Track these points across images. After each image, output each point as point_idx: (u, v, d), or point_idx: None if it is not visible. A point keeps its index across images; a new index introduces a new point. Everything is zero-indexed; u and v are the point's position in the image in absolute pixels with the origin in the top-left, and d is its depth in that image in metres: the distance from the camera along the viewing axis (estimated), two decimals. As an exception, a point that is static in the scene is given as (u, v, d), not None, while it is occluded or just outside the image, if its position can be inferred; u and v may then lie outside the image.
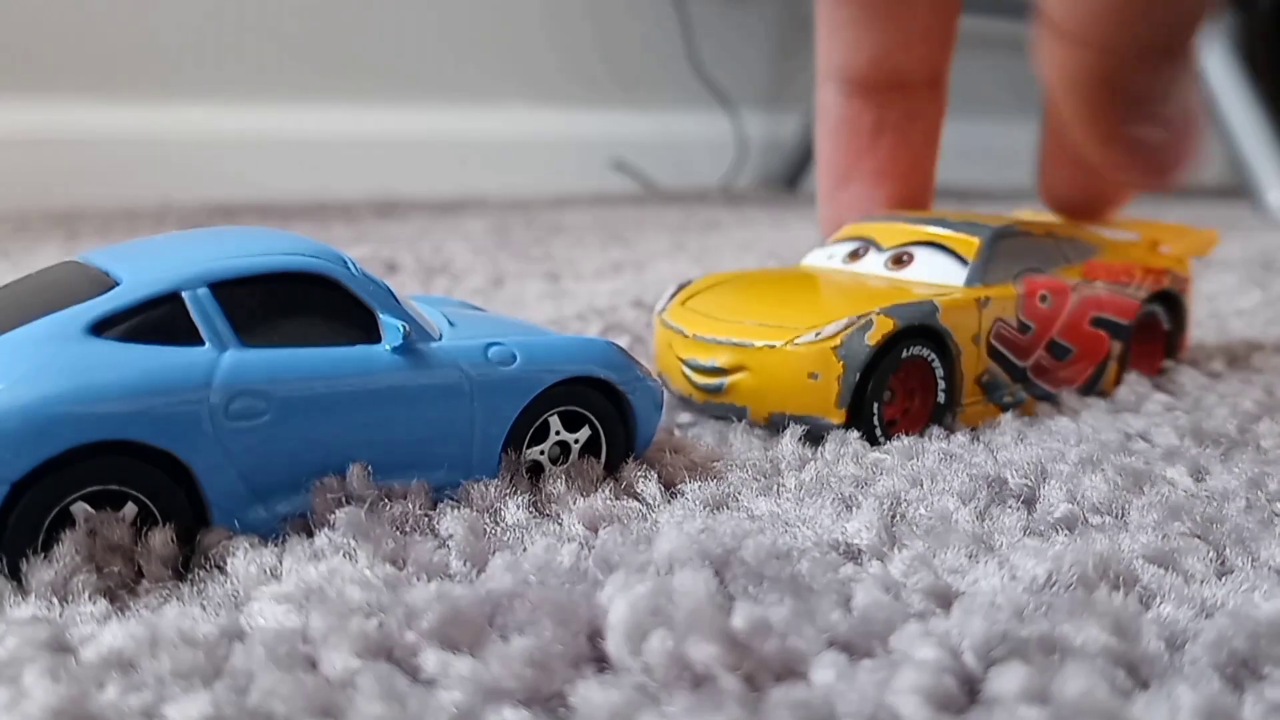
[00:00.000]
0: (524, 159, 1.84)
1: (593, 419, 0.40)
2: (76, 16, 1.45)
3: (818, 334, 0.45)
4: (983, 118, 2.47)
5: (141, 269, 0.34)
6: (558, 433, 0.39)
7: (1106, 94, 0.44)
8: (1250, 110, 1.62)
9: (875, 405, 0.45)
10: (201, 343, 0.33)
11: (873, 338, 0.44)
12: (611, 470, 0.40)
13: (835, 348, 0.45)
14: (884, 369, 0.45)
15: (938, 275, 0.50)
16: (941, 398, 0.48)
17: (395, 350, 0.36)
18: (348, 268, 0.36)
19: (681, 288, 0.53)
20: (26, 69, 1.43)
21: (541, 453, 0.39)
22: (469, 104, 1.79)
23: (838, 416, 0.45)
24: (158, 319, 0.33)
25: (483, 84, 1.80)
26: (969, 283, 0.50)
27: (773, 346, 0.46)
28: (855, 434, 0.44)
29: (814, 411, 0.45)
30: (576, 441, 0.40)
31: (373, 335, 0.36)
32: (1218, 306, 0.83)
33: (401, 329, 0.36)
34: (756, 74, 2.13)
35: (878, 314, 0.45)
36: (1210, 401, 0.51)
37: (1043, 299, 0.51)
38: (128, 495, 0.31)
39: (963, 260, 0.50)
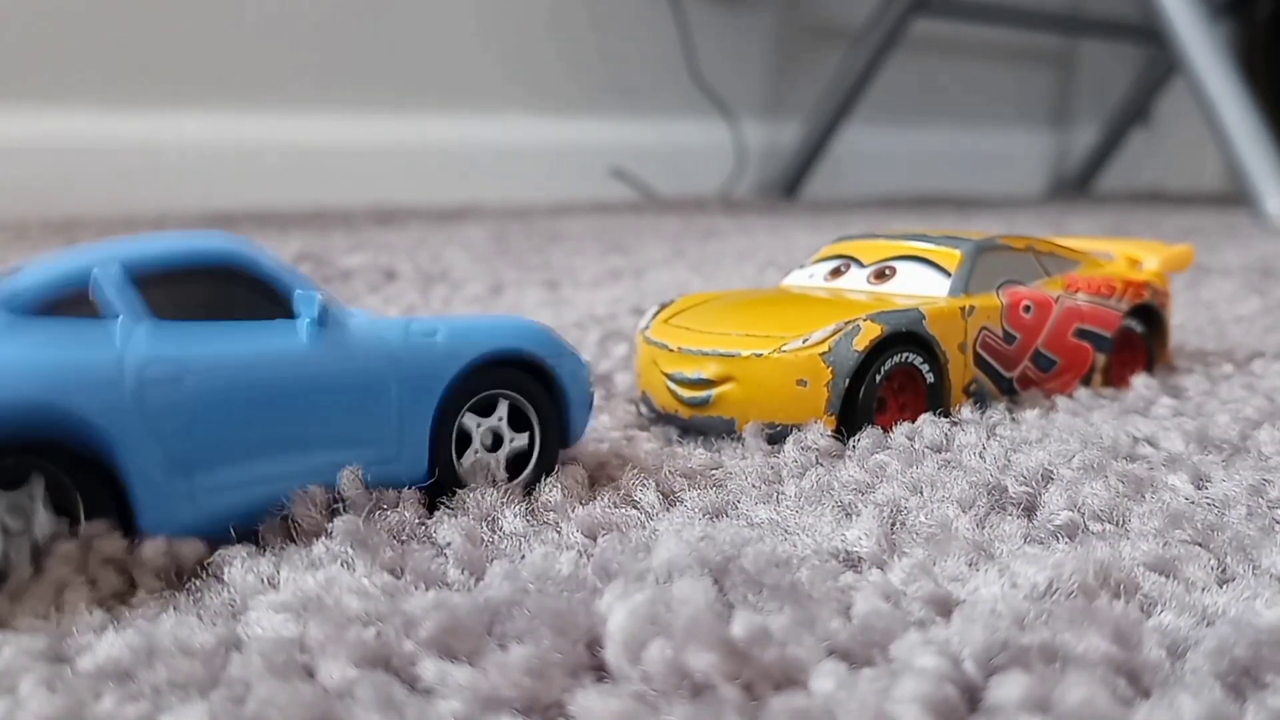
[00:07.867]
0: (523, 167, 1.84)
1: (520, 399, 0.40)
2: (76, 26, 1.46)
3: (805, 340, 0.45)
4: (981, 126, 2.48)
5: (50, 260, 0.34)
6: (500, 419, 0.39)
7: None
8: (1249, 118, 1.62)
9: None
10: (116, 316, 0.33)
11: (860, 343, 0.45)
12: (549, 462, 0.40)
13: (824, 354, 0.45)
14: (874, 377, 0.45)
15: (921, 287, 0.51)
16: (931, 406, 0.47)
17: (313, 322, 0.36)
18: (262, 254, 0.36)
19: (663, 307, 0.52)
20: (26, 78, 1.43)
21: (478, 426, 0.39)
22: (468, 112, 1.79)
23: (828, 424, 0.45)
24: (70, 296, 0.33)
25: (482, 92, 1.80)
26: (952, 293, 0.50)
27: (760, 355, 0.45)
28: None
29: (804, 419, 0.45)
30: (512, 440, 0.40)
31: (291, 314, 0.36)
32: (1217, 314, 0.83)
33: (318, 301, 0.36)
34: (755, 82, 2.13)
35: (865, 320, 0.45)
36: (1212, 407, 0.51)
37: (1026, 309, 0.52)
38: (40, 467, 0.31)
39: (945, 272, 0.51)
